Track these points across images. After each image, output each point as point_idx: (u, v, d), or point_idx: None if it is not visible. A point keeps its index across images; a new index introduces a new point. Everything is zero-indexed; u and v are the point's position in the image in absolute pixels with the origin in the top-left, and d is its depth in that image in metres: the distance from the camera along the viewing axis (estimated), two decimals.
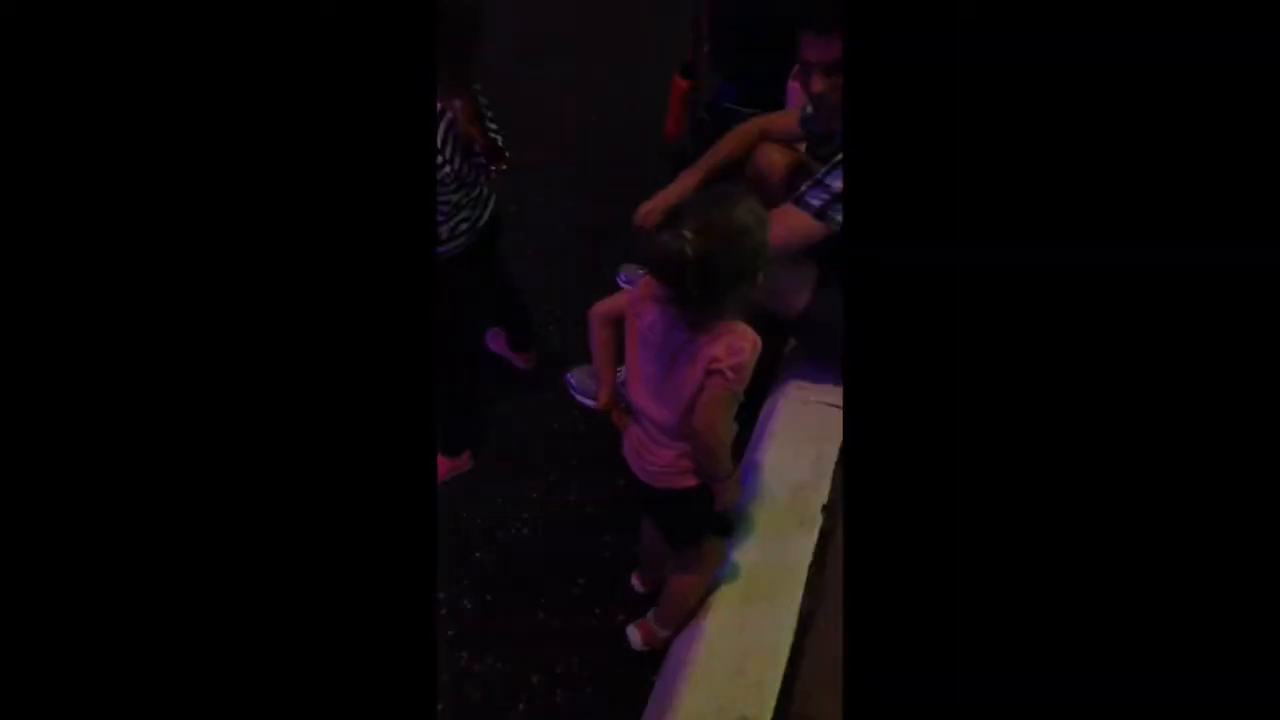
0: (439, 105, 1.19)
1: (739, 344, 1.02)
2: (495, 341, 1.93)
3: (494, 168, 1.30)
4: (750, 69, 2.17)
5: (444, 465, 1.68)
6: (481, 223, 1.41)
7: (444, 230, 1.30)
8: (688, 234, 0.93)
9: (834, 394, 1.66)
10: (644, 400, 1.13)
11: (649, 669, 1.42)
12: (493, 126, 1.29)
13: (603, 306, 1.19)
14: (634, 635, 1.44)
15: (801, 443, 1.58)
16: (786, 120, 1.76)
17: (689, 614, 1.38)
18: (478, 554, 1.60)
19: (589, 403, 1.85)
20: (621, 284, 2.09)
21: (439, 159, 1.22)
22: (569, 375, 1.87)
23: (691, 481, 1.16)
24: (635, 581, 1.54)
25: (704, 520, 1.24)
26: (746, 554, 1.41)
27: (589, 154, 2.49)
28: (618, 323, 1.18)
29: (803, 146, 1.79)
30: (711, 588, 1.38)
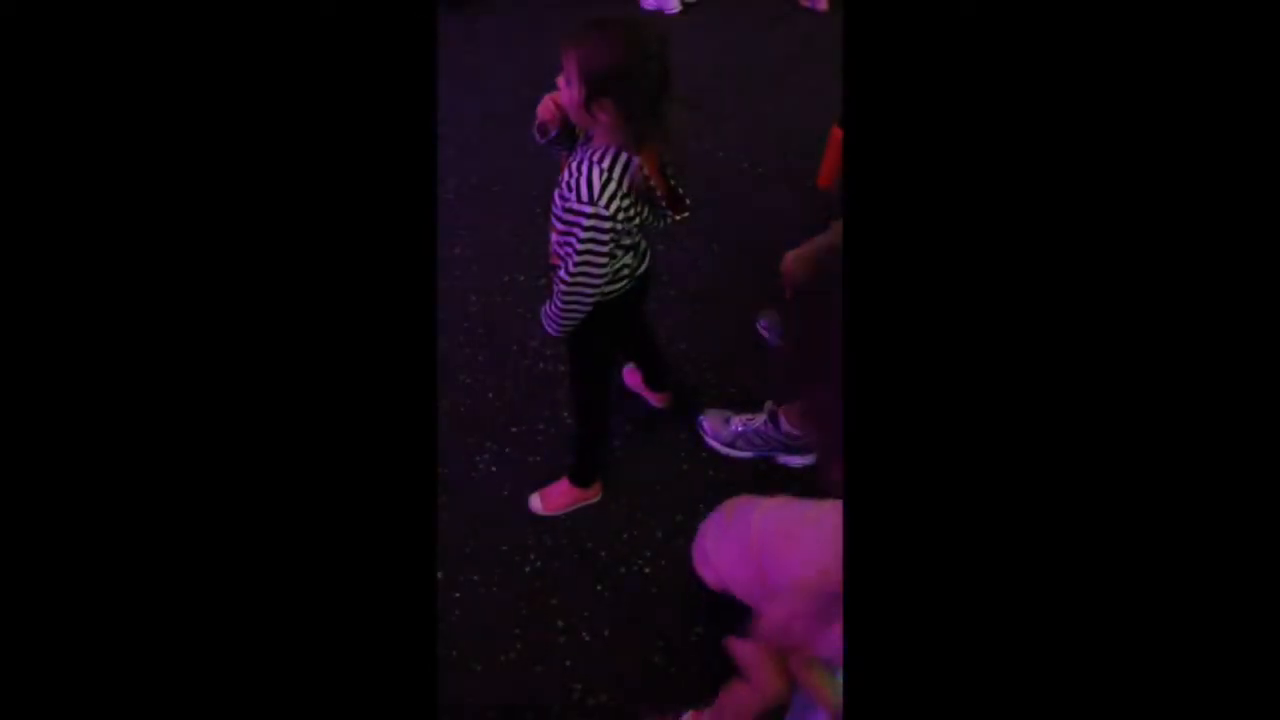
0: (627, 156, 1.25)
1: None
2: (631, 378, 1.96)
3: (675, 217, 1.35)
4: None
5: (574, 494, 1.72)
6: (640, 271, 1.46)
7: (607, 274, 1.35)
8: None
9: None
10: None
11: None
12: (672, 174, 1.33)
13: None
14: None
15: None
16: None
17: None
18: (599, 586, 1.61)
19: (720, 446, 1.84)
20: (761, 330, 2.08)
21: (627, 206, 1.27)
22: (702, 418, 1.87)
23: None
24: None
25: None
26: None
27: (738, 199, 2.51)
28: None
29: None
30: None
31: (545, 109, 1.33)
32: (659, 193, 1.30)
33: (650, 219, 1.35)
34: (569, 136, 1.37)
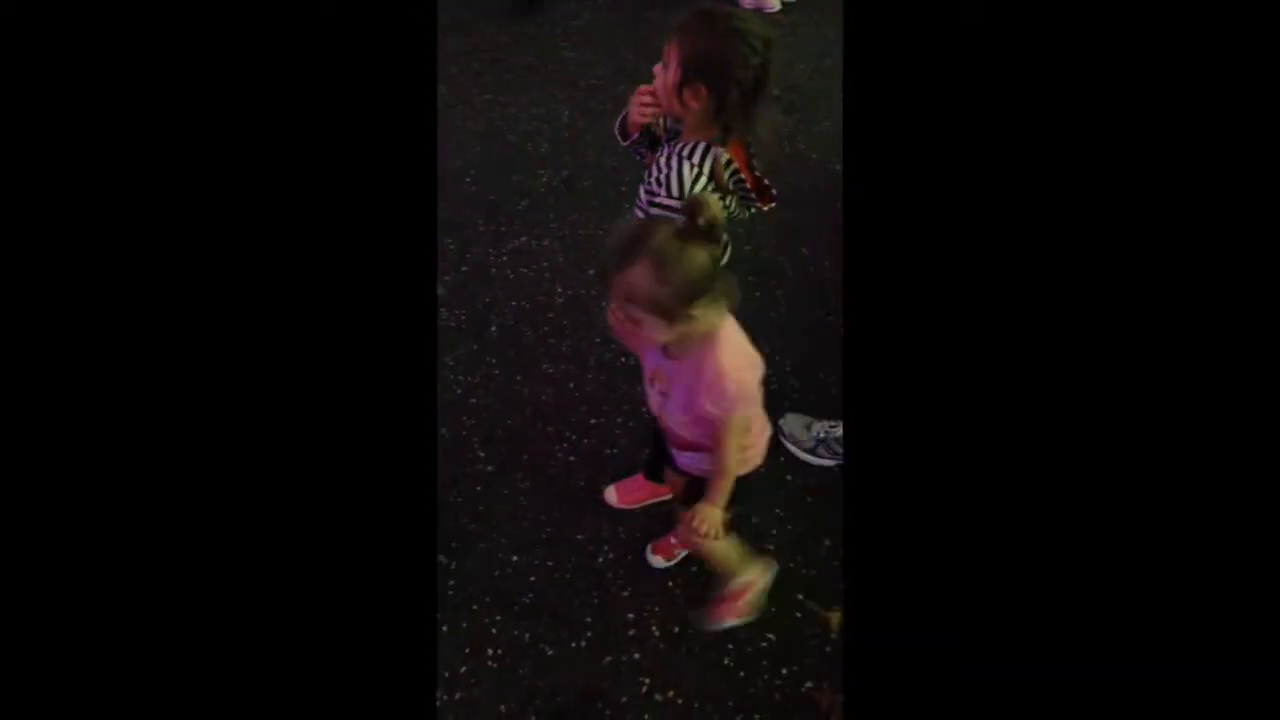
0: (716, 150, 1.24)
1: None
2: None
3: (763, 206, 1.34)
4: None
5: (649, 489, 1.72)
6: (723, 263, 1.45)
7: None
8: None
9: None
10: None
11: None
12: (758, 168, 1.32)
13: None
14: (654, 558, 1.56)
15: None
16: None
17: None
18: (670, 583, 1.61)
19: (799, 452, 1.82)
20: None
21: (710, 188, 1.27)
22: (781, 422, 1.84)
23: None
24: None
25: None
26: None
27: (827, 201, 2.46)
28: None
29: None
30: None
31: (636, 109, 1.33)
32: (748, 184, 1.29)
33: (736, 210, 1.34)
34: (650, 139, 1.38)
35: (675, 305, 1.04)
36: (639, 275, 1.02)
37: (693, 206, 1.02)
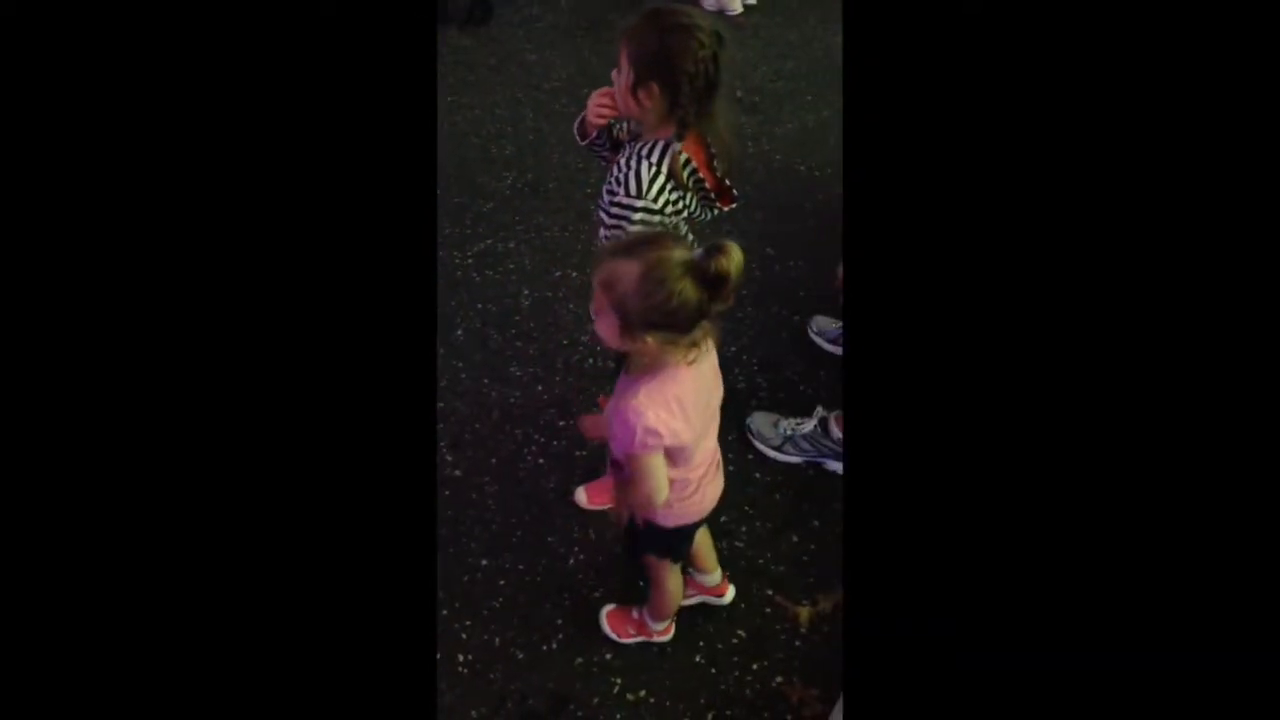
0: (673, 146, 1.25)
1: None
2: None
3: (723, 207, 1.34)
4: None
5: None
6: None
7: None
8: None
9: None
10: None
11: None
12: (719, 168, 1.33)
13: None
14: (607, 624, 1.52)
15: None
16: None
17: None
18: (642, 583, 1.61)
19: (767, 450, 1.83)
20: (812, 335, 2.06)
21: (675, 200, 1.27)
22: (749, 420, 1.86)
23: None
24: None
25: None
26: None
27: (792, 201, 2.49)
28: None
29: None
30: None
31: (593, 110, 1.33)
32: (707, 184, 1.30)
33: (698, 211, 1.34)
34: (610, 138, 1.38)
35: (637, 320, 0.99)
36: (625, 271, 0.98)
37: (717, 249, 0.96)
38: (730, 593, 1.56)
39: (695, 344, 1.04)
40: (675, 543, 1.33)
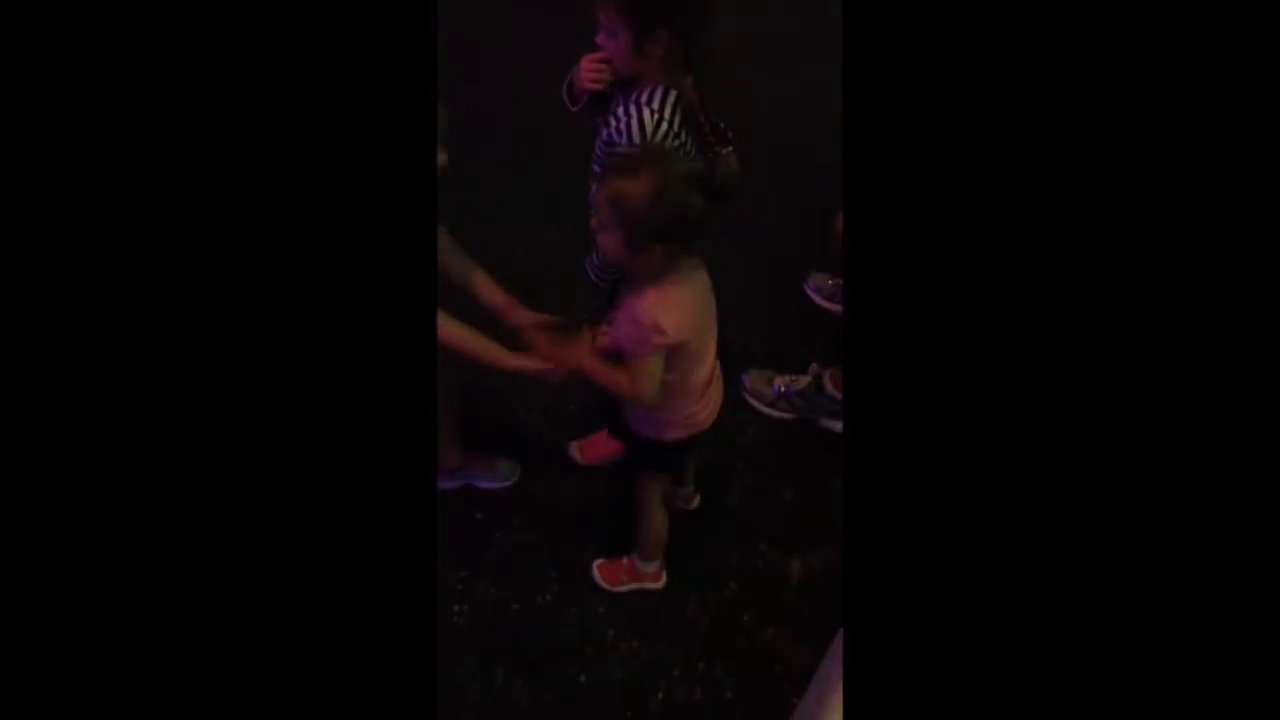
0: (666, 86, 1.23)
1: None
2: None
3: (722, 150, 1.32)
4: None
5: (612, 445, 1.73)
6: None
7: None
8: None
9: None
10: None
11: (792, 689, 1.38)
12: (712, 113, 1.31)
13: None
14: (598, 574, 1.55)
15: None
16: None
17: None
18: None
19: (760, 405, 1.84)
20: (809, 292, 2.05)
21: (671, 133, 1.25)
22: (744, 376, 1.86)
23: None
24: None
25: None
26: None
27: (786, 162, 2.45)
28: None
29: None
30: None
31: (587, 77, 1.28)
32: (704, 128, 1.28)
33: (696, 155, 1.31)
34: (599, 100, 1.34)
35: (646, 234, 1.06)
36: (633, 188, 1.04)
37: (719, 161, 1.04)
38: (663, 580, 1.56)
39: (702, 259, 1.12)
40: (674, 457, 1.42)
